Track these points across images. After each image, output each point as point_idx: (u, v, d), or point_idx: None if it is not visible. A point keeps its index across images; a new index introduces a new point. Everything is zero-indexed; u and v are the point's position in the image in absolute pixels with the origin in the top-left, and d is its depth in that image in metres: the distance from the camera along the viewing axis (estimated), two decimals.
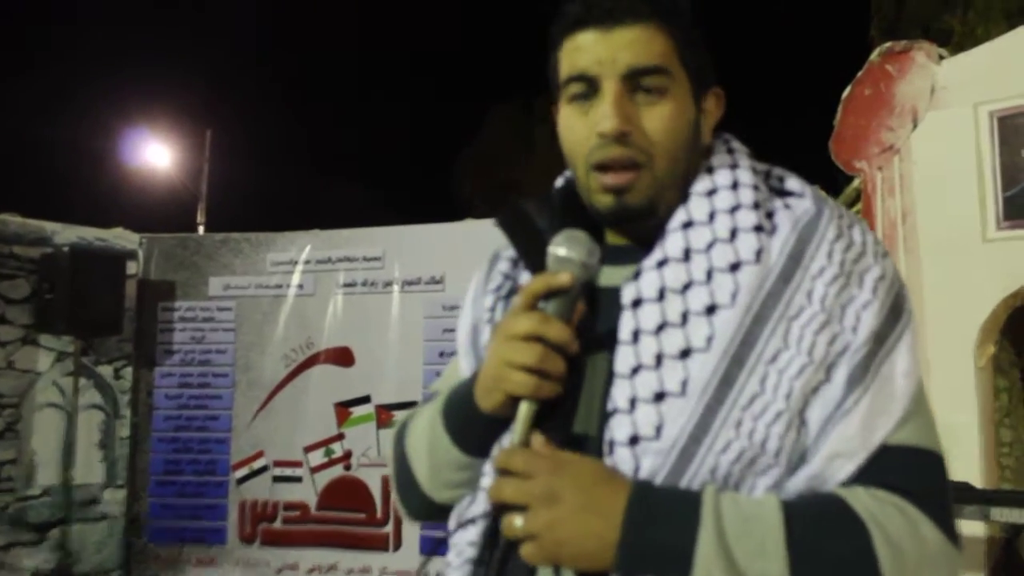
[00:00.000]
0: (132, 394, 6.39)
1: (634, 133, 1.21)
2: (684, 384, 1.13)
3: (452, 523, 1.33)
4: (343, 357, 6.20)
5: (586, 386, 1.22)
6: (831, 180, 6.01)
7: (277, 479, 6.18)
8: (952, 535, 1.15)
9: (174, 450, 6.32)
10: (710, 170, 1.26)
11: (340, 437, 6.14)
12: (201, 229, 15.63)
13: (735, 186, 1.23)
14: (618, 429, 1.15)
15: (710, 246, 1.19)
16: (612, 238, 1.32)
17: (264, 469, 6.22)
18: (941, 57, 5.01)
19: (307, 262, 6.32)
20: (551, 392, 1.17)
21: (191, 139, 17.42)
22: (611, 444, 1.16)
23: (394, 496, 1.45)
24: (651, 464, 1.13)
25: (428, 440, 1.35)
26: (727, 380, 1.13)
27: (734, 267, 1.17)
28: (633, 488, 1.11)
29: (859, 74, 5.21)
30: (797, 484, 1.14)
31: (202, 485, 6.26)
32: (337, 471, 6.12)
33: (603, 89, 1.22)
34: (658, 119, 1.22)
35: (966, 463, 4.48)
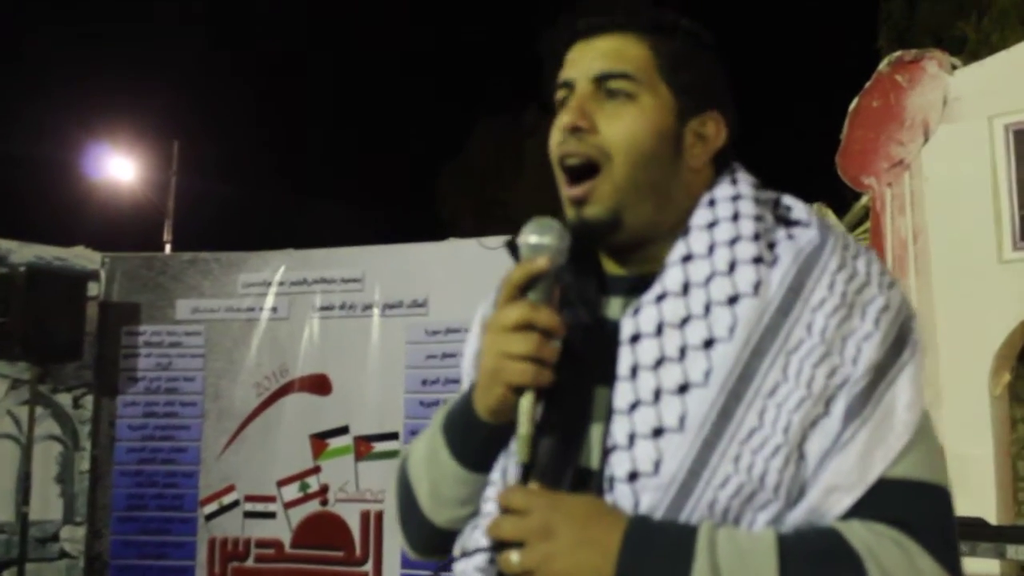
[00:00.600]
0: (93, 424, 6.36)
1: (591, 130, 1.30)
2: (682, 419, 1.19)
3: (456, 551, 1.39)
4: (319, 385, 6.19)
5: (594, 421, 1.28)
6: (838, 197, 6.05)
7: (249, 515, 6.15)
8: (953, 570, 1.19)
9: (138, 484, 6.29)
10: (712, 203, 1.32)
11: (316, 470, 6.12)
12: (168, 248, 15.60)
13: (736, 217, 1.29)
14: (618, 465, 1.22)
15: (709, 279, 1.24)
16: (615, 268, 1.38)
17: (235, 504, 6.19)
18: (954, 67, 5.06)
19: (281, 283, 6.32)
20: (548, 380, 1.23)
21: (157, 151, 17.41)
22: (611, 480, 1.22)
23: (399, 528, 1.50)
24: (650, 500, 1.20)
25: (428, 456, 1.40)
26: (725, 414, 1.19)
27: (732, 300, 1.22)
28: (629, 523, 1.18)
29: (867, 85, 5.26)
30: (796, 518, 1.19)
31: (168, 522, 6.22)
32: (313, 506, 6.10)
33: (574, 93, 1.34)
34: (618, 120, 1.30)
35: (980, 498, 4.49)
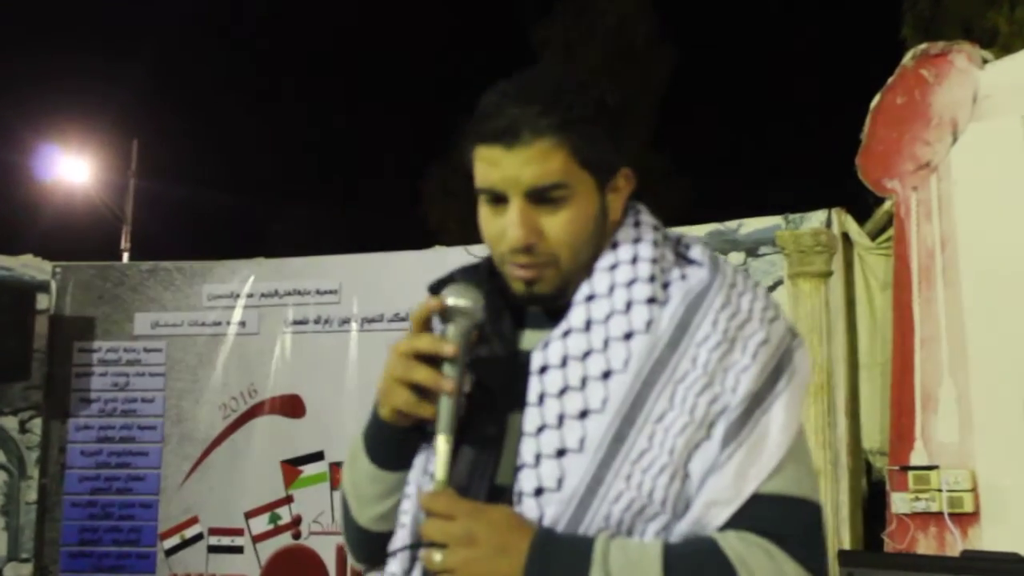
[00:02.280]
0: (41, 451, 6.36)
1: (539, 243, 1.55)
2: (582, 441, 1.48)
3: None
4: (292, 407, 6.19)
5: (507, 442, 1.56)
6: (858, 202, 6.06)
7: (213, 549, 6.15)
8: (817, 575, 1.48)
9: (91, 516, 6.28)
10: (615, 245, 1.60)
11: (288, 500, 6.12)
12: (125, 256, 15.58)
13: (634, 260, 1.58)
14: (525, 481, 1.50)
15: (608, 317, 1.53)
16: (533, 305, 1.65)
17: (198, 538, 6.18)
18: (985, 60, 5.08)
19: (250, 295, 6.33)
20: (428, 413, 1.54)
21: (114, 151, 17.41)
22: (519, 495, 1.51)
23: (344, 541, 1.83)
24: (554, 512, 1.48)
25: (351, 458, 1.72)
26: (619, 437, 1.47)
27: (627, 336, 1.51)
28: (536, 534, 1.46)
29: (890, 80, 5.28)
30: (682, 529, 1.47)
31: (123, 558, 6.21)
32: (284, 540, 6.09)
33: (510, 203, 1.55)
34: (560, 226, 1.55)
35: (1014, 531, 4.50)
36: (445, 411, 1.52)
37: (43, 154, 16.96)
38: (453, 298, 1.57)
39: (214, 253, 6.53)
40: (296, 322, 6.25)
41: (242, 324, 6.31)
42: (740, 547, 1.44)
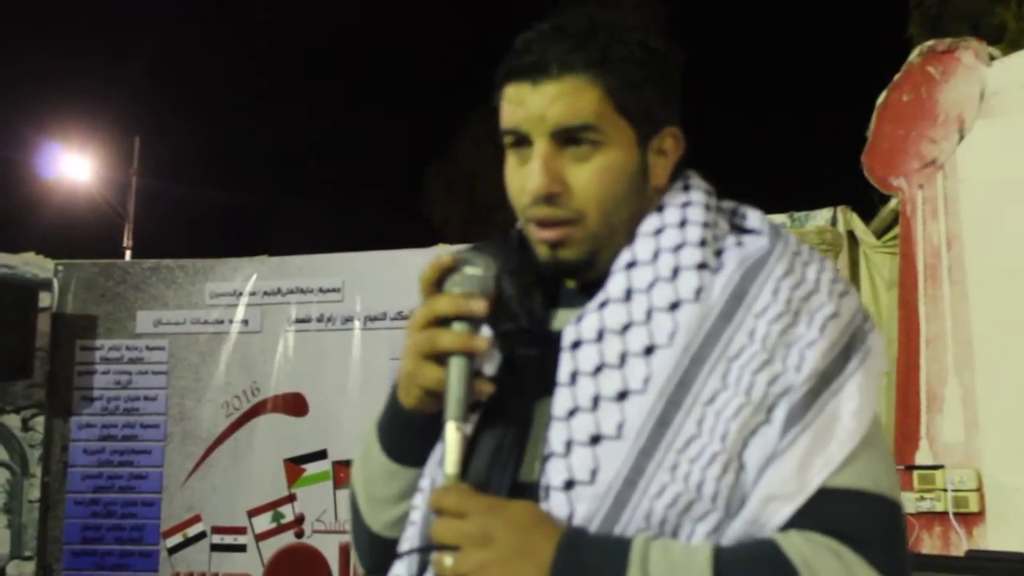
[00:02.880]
0: (44, 449, 6.36)
1: (562, 194, 1.38)
2: (620, 427, 1.29)
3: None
4: (295, 405, 6.19)
5: (534, 432, 1.38)
6: (864, 200, 6.07)
7: (216, 548, 6.15)
8: None
9: (93, 515, 6.28)
10: (660, 208, 1.42)
11: (291, 499, 6.12)
12: (128, 254, 15.59)
13: (683, 224, 1.39)
14: (554, 473, 1.31)
15: (651, 285, 1.34)
16: (568, 281, 1.48)
17: (201, 536, 6.18)
18: (992, 57, 5.08)
19: (253, 294, 6.33)
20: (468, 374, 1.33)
21: (116, 148, 17.43)
22: (547, 489, 1.31)
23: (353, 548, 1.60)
24: (586, 509, 1.28)
25: (363, 457, 1.52)
26: (663, 422, 1.28)
27: (673, 306, 1.32)
28: (563, 535, 1.26)
29: (896, 77, 5.28)
30: (736, 529, 1.26)
31: (127, 556, 6.22)
32: (287, 538, 6.09)
33: (534, 147, 1.40)
34: (587, 176, 1.39)
35: (1019, 530, 4.50)
36: (454, 392, 1.32)
37: (45, 151, 16.98)
38: (462, 263, 1.38)
39: (216, 251, 6.54)
40: (299, 320, 6.25)
41: (244, 322, 6.31)
42: (805, 549, 1.23)
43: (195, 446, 6.27)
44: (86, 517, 6.28)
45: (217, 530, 6.16)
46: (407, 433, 1.44)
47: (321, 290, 6.24)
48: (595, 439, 1.29)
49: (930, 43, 5.27)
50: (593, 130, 1.38)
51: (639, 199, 1.42)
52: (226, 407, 6.27)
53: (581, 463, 1.29)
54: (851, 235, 5.53)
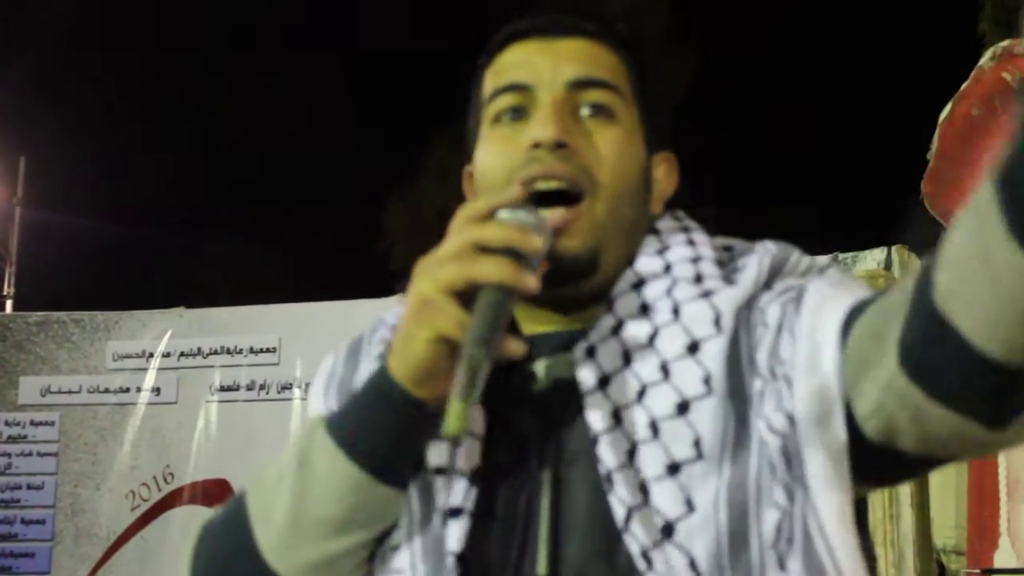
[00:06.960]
0: None
1: (576, 150, 1.36)
2: (697, 443, 1.27)
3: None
4: (218, 495, 6.17)
5: (535, 511, 1.32)
6: (927, 235, 6.11)
7: None
8: None
9: None
10: (656, 232, 1.45)
11: None
12: (8, 305, 15.55)
13: (690, 243, 1.42)
14: (641, 529, 1.24)
15: (670, 289, 1.36)
16: (534, 326, 1.43)
17: None
18: None
19: (167, 355, 6.33)
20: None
21: None
22: (643, 552, 1.23)
23: None
24: (705, 548, 1.23)
25: (295, 466, 1.33)
26: (740, 418, 1.27)
27: (706, 294, 1.34)
28: None
29: (964, 86, 5.33)
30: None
31: None
32: None
33: (538, 101, 1.39)
34: (605, 142, 1.39)
35: None
36: (481, 326, 1.20)
37: None
38: (517, 208, 1.30)
39: (121, 302, 6.56)
40: (224, 388, 6.25)
41: (156, 391, 6.30)
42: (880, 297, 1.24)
43: (92, 547, 6.24)
44: None
45: None
46: (389, 422, 1.29)
47: (252, 350, 6.24)
48: (673, 468, 1.26)
49: (1005, 43, 5.32)
50: (612, 91, 1.40)
51: (641, 210, 1.45)
52: (132, 497, 6.25)
53: (668, 498, 1.26)
54: None
